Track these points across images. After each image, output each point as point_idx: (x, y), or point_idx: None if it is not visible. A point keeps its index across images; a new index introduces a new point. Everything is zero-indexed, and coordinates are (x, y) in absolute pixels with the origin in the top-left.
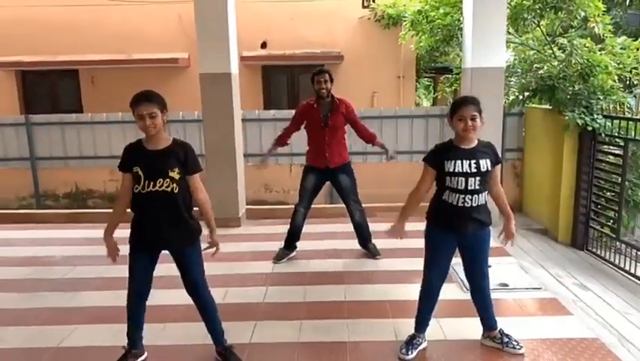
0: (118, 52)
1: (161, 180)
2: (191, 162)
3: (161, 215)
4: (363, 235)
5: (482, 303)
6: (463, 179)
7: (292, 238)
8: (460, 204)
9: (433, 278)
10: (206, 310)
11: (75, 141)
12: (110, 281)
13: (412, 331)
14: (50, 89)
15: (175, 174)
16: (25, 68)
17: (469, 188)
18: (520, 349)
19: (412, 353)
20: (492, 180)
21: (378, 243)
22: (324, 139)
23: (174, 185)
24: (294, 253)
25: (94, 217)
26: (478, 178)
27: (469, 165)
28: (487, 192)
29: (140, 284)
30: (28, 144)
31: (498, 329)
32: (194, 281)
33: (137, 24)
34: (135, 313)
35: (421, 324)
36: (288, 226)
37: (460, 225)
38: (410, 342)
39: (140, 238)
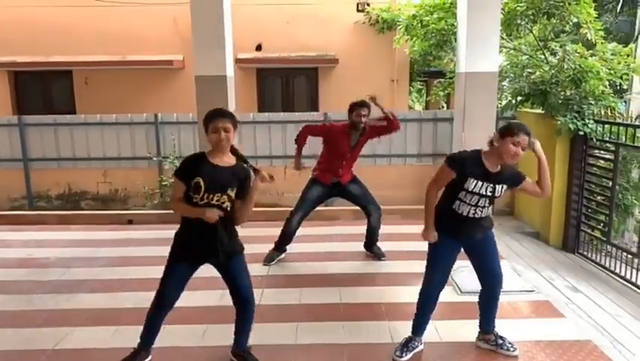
0: (112, 53)
1: (220, 194)
2: (247, 186)
3: (213, 228)
4: (374, 238)
5: (491, 304)
6: (477, 197)
7: (284, 242)
8: (470, 215)
9: (435, 282)
10: (245, 320)
11: (68, 142)
12: (106, 283)
13: (408, 333)
14: (43, 89)
15: (232, 192)
16: (19, 68)
17: (480, 205)
18: (514, 351)
19: (406, 355)
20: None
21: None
22: (343, 163)
23: (229, 203)
24: (283, 255)
25: (87, 219)
26: (487, 200)
27: (486, 189)
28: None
29: (168, 294)
30: (20, 145)
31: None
32: (243, 292)
33: (132, 26)
34: (153, 320)
35: (419, 328)
36: (282, 228)
37: (467, 232)
38: (406, 344)
39: (184, 248)
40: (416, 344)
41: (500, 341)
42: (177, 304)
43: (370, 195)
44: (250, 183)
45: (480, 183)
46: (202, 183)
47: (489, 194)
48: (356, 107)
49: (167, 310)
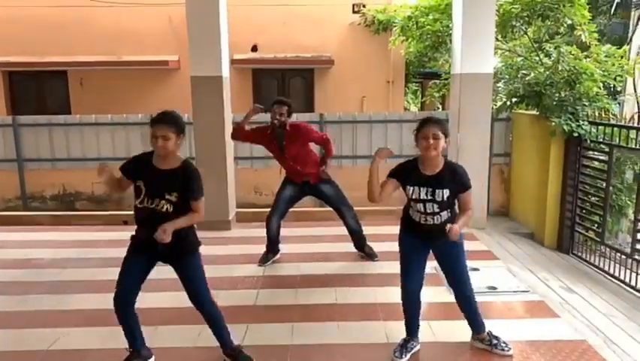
0: (107, 53)
1: (158, 200)
2: (191, 188)
3: (153, 229)
4: (359, 239)
5: (467, 309)
6: (422, 204)
7: (271, 243)
8: (422, 222)
9: (407, 283)
10: (212, 322)
11: (63, 143)
12: (100, 283)
13: (403, 333)
14: (38, 90)
15: (172, 197)
16: (13, 68)
17: (428, 211)
18: (509, 350)
19: (405, 355)
20: (461, 204)
21: (371, 246)
22: (290, 164)
23: (169, 206)
24: (277, 256)
25: (81, 219)
26: (434, 204)
27: (426, 193)
28: (450, 209)
29: (126, 288)
30: (14, 145)
31: (486, 331)
32: (195, 294)
33: (127, 26)
34: (121, 317)
35: (411, 328)
36: None
37: (427, 237)
38: (404, 345)
39: (139, 244)
40: (414, 344)
41: (495, 341)
42: (173, 305)
43: (343, 196)
44: (194, 186)
45: (417, 188)
46: (142, 186)
47: (429, 198)
48: (273, 105)
49: (128, 306)
